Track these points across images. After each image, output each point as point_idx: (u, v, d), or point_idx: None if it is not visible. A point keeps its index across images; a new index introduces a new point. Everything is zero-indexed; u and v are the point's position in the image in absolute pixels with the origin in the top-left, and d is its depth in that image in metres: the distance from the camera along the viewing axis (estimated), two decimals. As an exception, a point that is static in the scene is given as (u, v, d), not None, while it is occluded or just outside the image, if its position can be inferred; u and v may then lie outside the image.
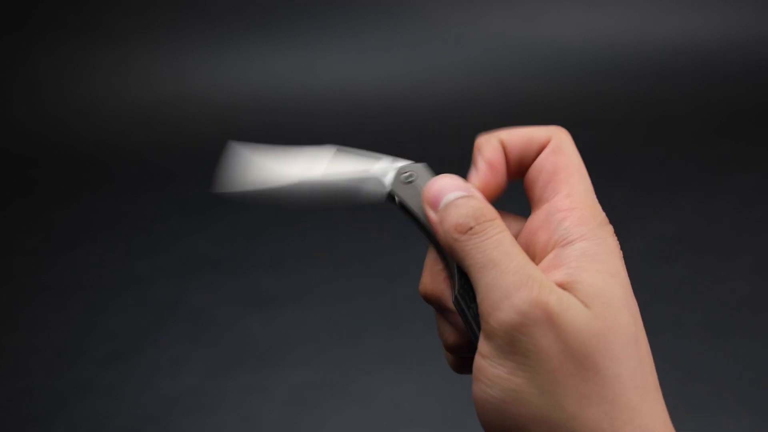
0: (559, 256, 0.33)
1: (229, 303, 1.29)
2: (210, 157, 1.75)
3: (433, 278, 0.37)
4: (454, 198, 0.34)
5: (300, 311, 1.27)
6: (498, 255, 0.31)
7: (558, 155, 0.36)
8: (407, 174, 0.37)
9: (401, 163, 0.38)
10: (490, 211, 0.34)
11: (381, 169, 0.38)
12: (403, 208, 0.37)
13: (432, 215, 0.35)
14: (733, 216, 1.44)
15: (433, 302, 0.37)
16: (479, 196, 0.35)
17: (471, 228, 0.32)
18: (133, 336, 1.24)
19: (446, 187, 0.35)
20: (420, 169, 0.37)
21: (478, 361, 0.31)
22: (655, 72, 1.91)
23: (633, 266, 1.39)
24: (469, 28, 1.98)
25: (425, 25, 1.98)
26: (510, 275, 0.30)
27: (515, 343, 0.30)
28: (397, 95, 1.87)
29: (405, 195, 0.37)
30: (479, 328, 0.33)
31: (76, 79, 1.91)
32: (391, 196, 0.38)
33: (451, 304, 0.36)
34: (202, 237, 1.47)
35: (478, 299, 0.31)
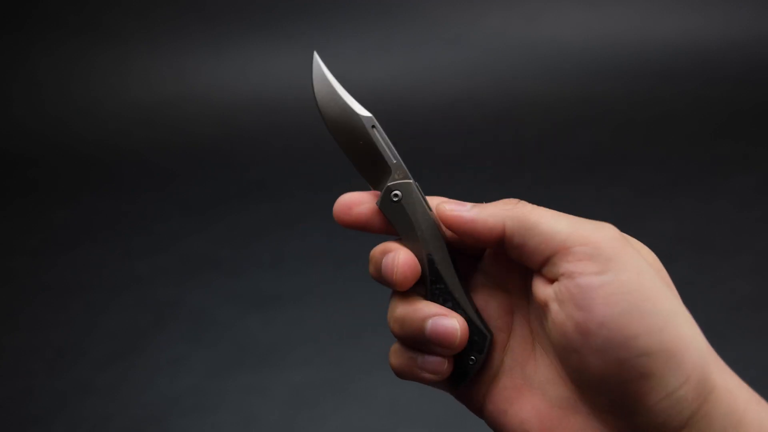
0: None
1: (229, 303, 1.29)
2: (210, 157, 1.76)
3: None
4: (474, 204, 0.38)
5: (300, 311, 1.27)
6: (555, 212, 0.35)
7: None
8: (394, 193, 0.39)
9: (397, 180, 0.40)
10: None
11: (386, 176, 0.40)
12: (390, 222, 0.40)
13: (465, 213, 0.37)
14: (733, 216, 1.44)
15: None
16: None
17: (518, 201, 0.36)
18: (133, 336, 1.24)
19: (459, 201, 0.38)
20: (407, 187, 0.39)
21: (591, 280, 0.32)
22: (655, 72, 1.91)
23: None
24: (469, 28, 1.98)
25: (425, 25, 1.98)
26: (583, 219, 0.35)
27: (627, 250, 0.33)
28: (397, 95, 1.87)
29: (391, 213, 0.40)
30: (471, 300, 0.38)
31: (76, 79, 1.91)
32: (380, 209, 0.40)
33: None
34: (202, 237, 1.47)
35: (560, 238, 0.34)
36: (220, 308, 1.28)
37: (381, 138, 0.41)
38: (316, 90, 0.41)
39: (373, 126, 0.41)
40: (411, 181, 0.40)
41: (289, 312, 1.27)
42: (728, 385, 0.33)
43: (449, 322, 0.37)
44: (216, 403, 1.11)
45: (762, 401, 0.33)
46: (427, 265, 0.39)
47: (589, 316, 0.32)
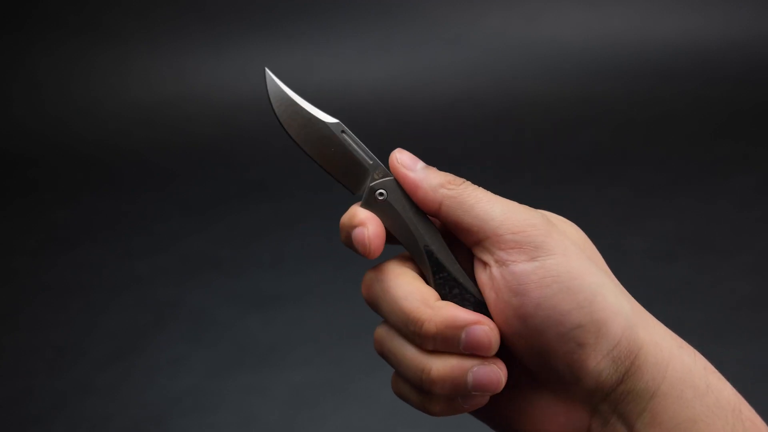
0: None
1: (229, 303, 1.29)
2: (210, 157, 1.76)
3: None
4: (425, 165, 0.39)
5: (300, 311, 1.27)
6: (492, 195, 0.38)
7: None
8: (379, 192, 0.39)
9: (377, 179, 0.40)
10: None
11: (364, 177, 0.40)
12: None
13: (411, 174, 0.38)
14: (733, 216, 1.44)
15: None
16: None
17: (463, 181, 0.38)
18: (133, 336, 1.24)
19: (414, 157, 0.40)
20: (391, 184, 0.39)
21: (523, 267, 0.35)
22: (655, 72, 1.91)
23: (633, 266, 1.40)
24: (469, 28, 1.98)
25: (425, 25, 1.98)
26: (512, 205, 0.37)
27: (553, 236, 0.36)
28: (397, 95, 1.87)
29: (378, 212, 0.39)
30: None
31: (76, 79, 1.91)
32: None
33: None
34: (202, 237, 1.47)
35: (493, 225, 0.36)
36: (220, 308, 1.28)
37: (353, 141, 0.40)
38: (275, 107, 0.41)
39: (343, 131, 0.40)
40: (392, 177, 0.39)
41: (289, 312, 1.27)
42: (654, 338, 0.36)
43: (491, 370, 0.36)
44: (216, 403, 1.11)
45: (683, 344, 0.37)
46: (427, 257, 0.38)
47: (525, 300, 0.35)
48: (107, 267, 1.41)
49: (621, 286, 0.37)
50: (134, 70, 1.92)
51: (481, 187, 0.38)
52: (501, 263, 0.36)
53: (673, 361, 0.36)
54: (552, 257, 0.35)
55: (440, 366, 0.36)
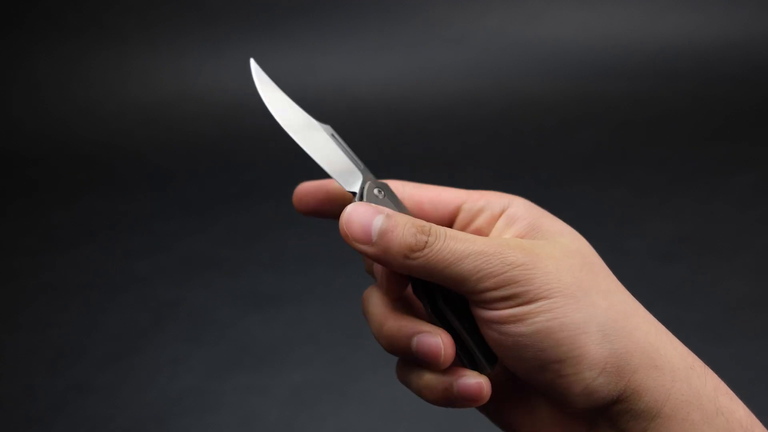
0: (509, 216, 0.38)
1: (229, 303, 1.29)
2: (210, 157, 1.76)
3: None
4: (382, 224, 0.35)
5: (300, 311, 1.27)
6: (462, 245, 0.35)
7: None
8: (378, 189, 0.39)
9: (367, 184, 0.39)
10: (419, 219, 0.36)
11: (357, 177, 0.40)
12: None
13: (369, 249, 0.35)
14: (733, 216, 1.44)
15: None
16: (394, 210, 0.37)
17: (426, 242, 0.35)
18: (133, 336, 1.24)
19: (364, 216, 0.36)
20: (387, 186, 0.39)
21: (501, 313, 0.35)
22: (655, 72, 1.91)
23: (633, 266, 1.39)
24: (469, 28, 1.98)
25: (425, 25, 1.98)
26: (486, 252, 0.35)
27: (536, 273, 0.35)
28: (397, 95, 1.87)
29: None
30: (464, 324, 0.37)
31: (76, 79, 1.91)
32: None
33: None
34: (202, 237, 1.47)
35: (469, 285, 0.35)
36: (220, 308, 1.28)
37: (341, 147, 0.41)
38: (267, 101, 0.40)
39: (333, 135, 0.41)
40: (385, 183, 0.39)
41: (289, 312, 1.27)
42: (655, 362, 0.35)
43: (434, 340, 0.37)
44: (216, 403, 1.11)
45: (695, 364, 0.36)
46: None
47: (504, 336, 0.35)
48: (107, 267, 1.41)
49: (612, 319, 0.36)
50: (134, 70, 1.92)
51: (449, 231, 0.35)
52: (481, 305, 0.36)
53: (678, 383, 0.35)
54: (532, 303, 0.34)
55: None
